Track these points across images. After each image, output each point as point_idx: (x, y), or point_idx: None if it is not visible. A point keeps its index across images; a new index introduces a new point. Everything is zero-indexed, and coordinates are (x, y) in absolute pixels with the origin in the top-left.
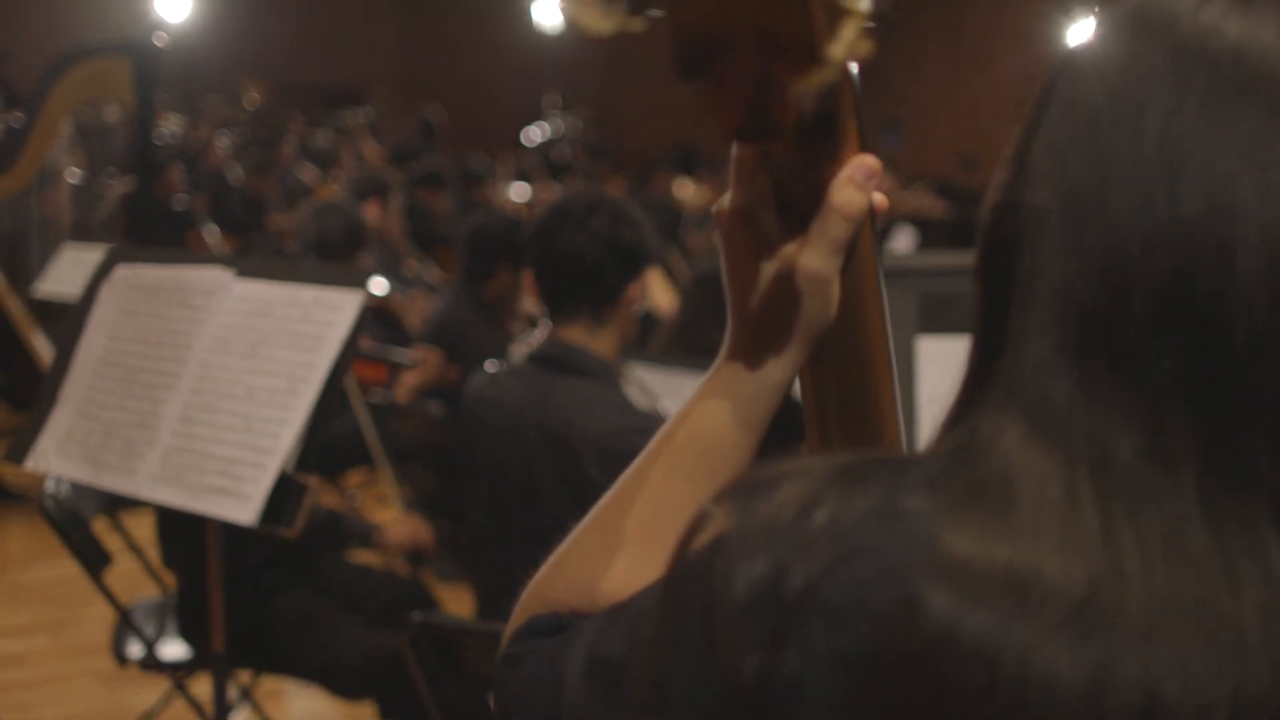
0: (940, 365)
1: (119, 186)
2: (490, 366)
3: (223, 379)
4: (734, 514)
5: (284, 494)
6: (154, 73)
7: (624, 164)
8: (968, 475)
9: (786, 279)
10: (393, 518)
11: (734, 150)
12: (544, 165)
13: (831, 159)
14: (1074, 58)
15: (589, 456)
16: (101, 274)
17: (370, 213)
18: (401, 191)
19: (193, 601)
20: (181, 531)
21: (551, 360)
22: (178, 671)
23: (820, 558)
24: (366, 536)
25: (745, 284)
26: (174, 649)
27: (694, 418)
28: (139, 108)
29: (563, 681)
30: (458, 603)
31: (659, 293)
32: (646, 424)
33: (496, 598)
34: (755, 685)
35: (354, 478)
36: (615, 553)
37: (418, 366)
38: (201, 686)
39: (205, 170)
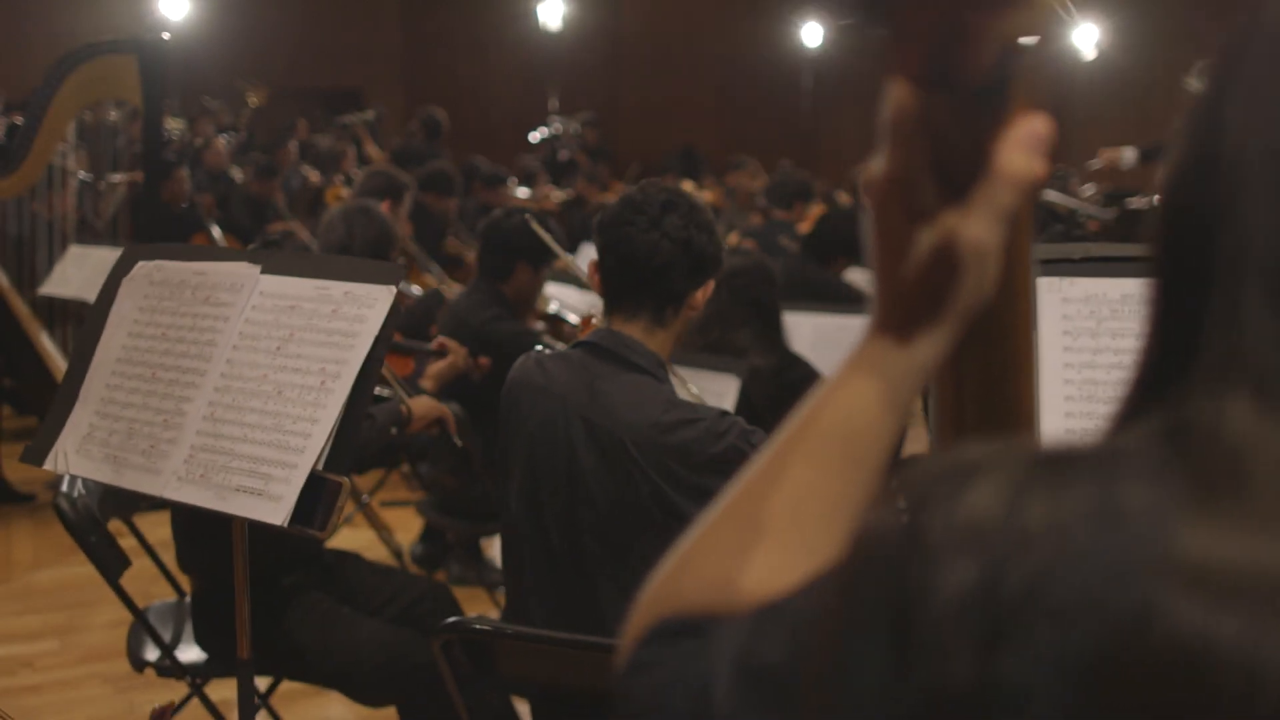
0: None
1: (122, 187)
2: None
3: (250, 376)
4: (926, 510)
5: (315, 494)
6: (161, 72)
7: (623, 166)
8: (1191, 463)
9: (944, 250)
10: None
11: (888, 112)
12: (546, 167)
13: (999, 121)
14: (1268, 12)
15: (632, 448)
16: (121, 270)
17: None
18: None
19: (209, 605)
20: (199, 533)
21: (604, 350)
22: (195, 676)
23: (1040, 558)
24: (396, 414)
25: (897, 256)
26: (189, 653)
27: (838, 400)
28: (146, 107)
29: (708, 690)
30: (472, 607)
31: None
32: (692, 416)
33: (532, 591)
34: (968, 692)
35: (364, 481)
36: (754, 547)
37: (445, 356)
38: (215, 692)
39: (208, 172)
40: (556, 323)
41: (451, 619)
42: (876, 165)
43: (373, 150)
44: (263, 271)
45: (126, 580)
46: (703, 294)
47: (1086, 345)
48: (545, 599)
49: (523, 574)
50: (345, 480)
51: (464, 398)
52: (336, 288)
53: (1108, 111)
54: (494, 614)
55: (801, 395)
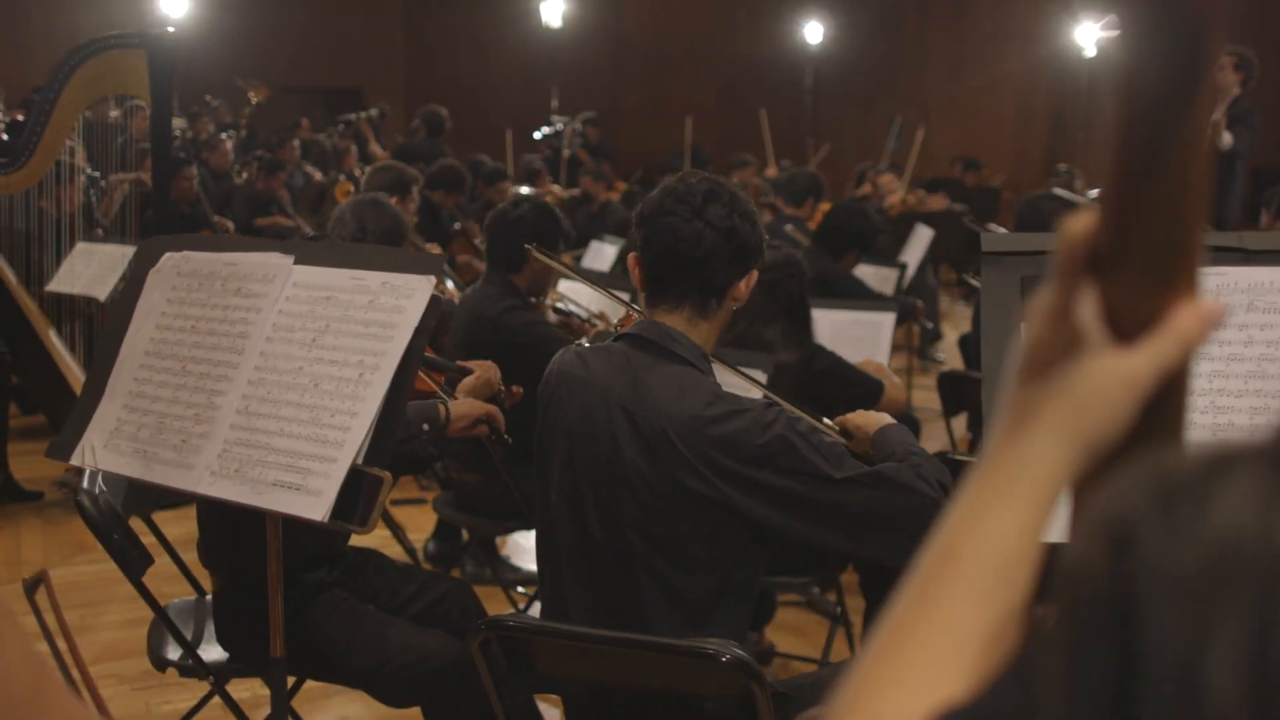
0: None
1: (124, 184)
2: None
3: (285, 369)
4: (1156, 538)
5: (355, 489)
6: (169, 67)
7: (625, 165)
8: None
9: (1098, 378)
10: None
11: (1064, 250)
12: (549, 165)
13: (1169, 285)
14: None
15: (676, 440)
16: (147, 262)
17: None
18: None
19: (233, 603)
20: (224, 529)
21: (647, 342)
22: (218, 676)
23: None
24: (434, 416)
25: (1040, 376)
26: (209, 652)
27: (984, 529)
28: (154, 103)
29: None
30: (490, 606)
31: None
32: (738, 407)
33: (570, 586)
34: None
35: None
36: (904, 686)
37: (475, 374)
38: (233, 691)
39: (212, 171)
40: (567, 317)
41: (490, 616)
42: (1044, 292)
43: (375, 148)
44: (296, 262)
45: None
46: (746, 285)
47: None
48: (583, 594)
49: (560, 569)
50: (387, 475)
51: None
52: (373, 278)
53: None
54: (510, 612)
55: (831, 386)
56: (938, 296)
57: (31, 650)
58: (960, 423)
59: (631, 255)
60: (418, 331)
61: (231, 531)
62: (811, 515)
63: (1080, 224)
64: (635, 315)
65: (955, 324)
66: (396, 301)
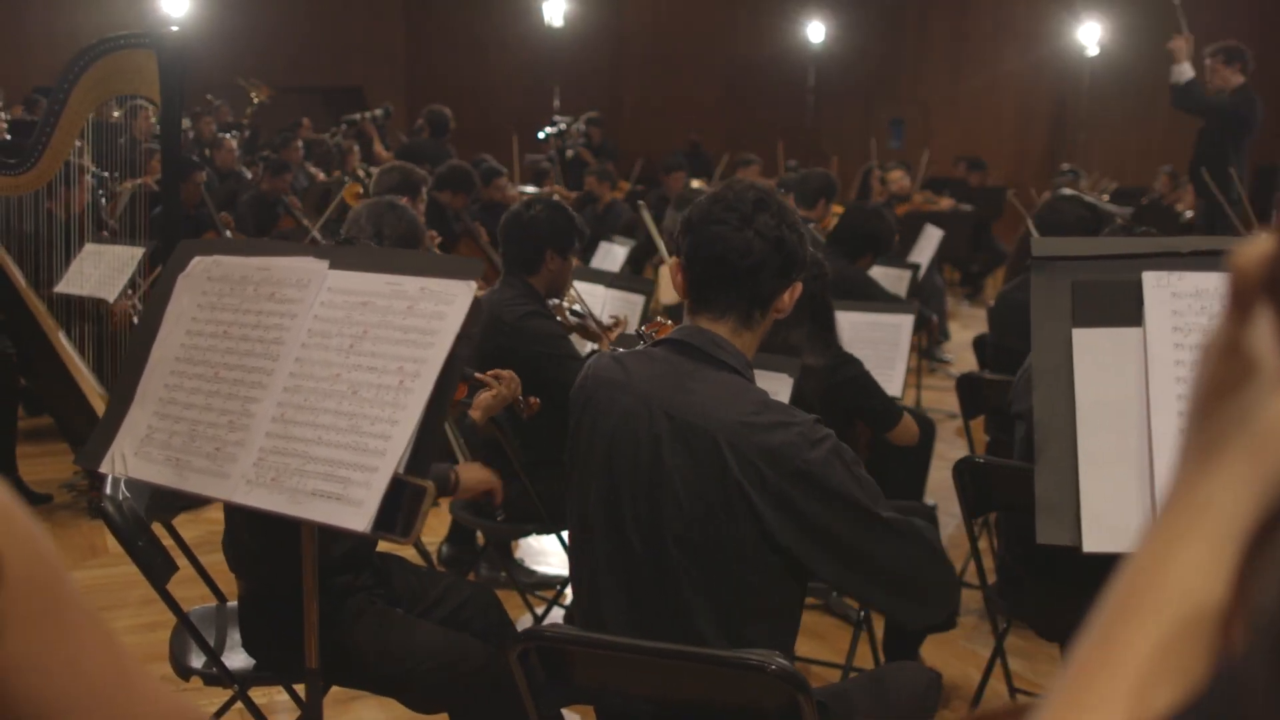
0: (1098, 360)
1: (128, 186)
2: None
3: (322, 376)
4: None
5: (396, 498)
6: (179, 67)
7: (627, 164)
8: None
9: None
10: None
11: (1234, 280)
12: (555, 165)
13: None
14: None
15: (724, 445)
16: (176, 266)
17: None
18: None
19: (260, 609)
20: (253, 535)
21: (693, 348)
22: (244, 684)
23: None
24: (444, 480)
25: (1222, 418)
26: (232, 658)
27: (1167, 572)
28: (164, 103)
29: None
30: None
31: None
32: (787, 419)
33: (606, 593)
34: None
35: None
36: None
37: (493, 385)
38: (253, 697)
39: (217, 170)
40: (583, 319)
41: (530, 627)
42: (1219, 324)
43: (379, 148)
44: (330, 266)
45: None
46: (789, 296)
47: (1198, 342)
48: (621, 603)
49: (597, 578)
50: (430, 484)
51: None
52: (410, 283)
53: (1111, 108)
54: (527, 616)
55: (852, 394)
56: (945, 297)
57: (115, 641)
58: (978, 426)
59: (674, 261)
60: (459, 338)
61: (261, 537)
62: (838, 552)
63: (1254, 250)
64: (667, 325)
65: (961, 323)
66: (436, 307)
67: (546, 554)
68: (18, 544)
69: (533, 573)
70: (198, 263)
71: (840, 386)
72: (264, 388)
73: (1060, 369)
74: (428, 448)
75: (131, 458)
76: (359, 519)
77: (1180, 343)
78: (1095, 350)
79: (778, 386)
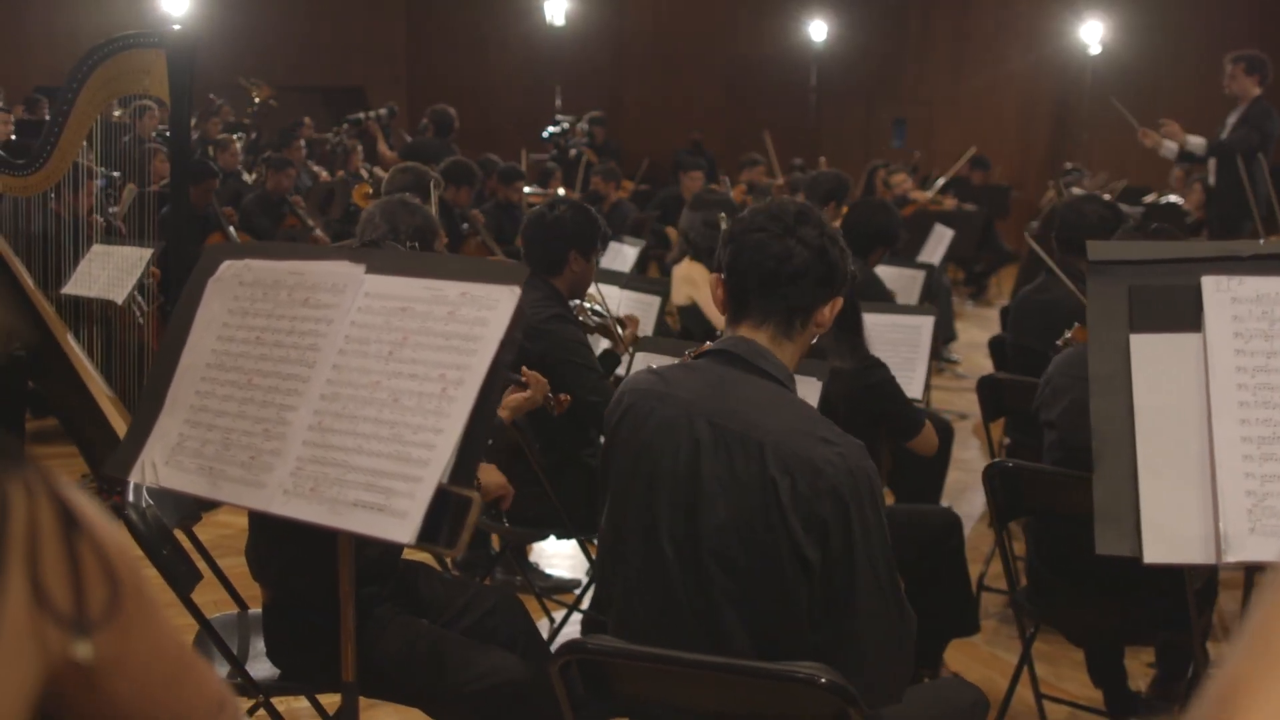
0: (1157, 367)
1: (131, 187)
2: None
3: (361, 383)
4: None
5: (441, 509)
6: (189, 66)
7: (630, 164)
8: None
9: None
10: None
11: None
12: (560, 164)
13: None
14: None
15: (769, 452)
16: (205, 270)
17: None
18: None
19: (285, 618)
20: (278, 544)
21: (736, 357)
22: (269, 694)
23: None
24: None
25: None
26: (256, 667)
27: None
28: (173, 103)
29: None
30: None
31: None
32: (831, 436)
33: (641, 604)
34: None
35: None
36: None
37: (524, 386)
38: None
39: (222, 169)
40: (603, 319)
41: (570, 640)
42: None
43: (383, 148)
44: (367, 271)
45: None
46: (830, 310)
47: (1260, 348)
48: (653, 610)
49: (629, 585)
50: (475, 495)
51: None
52: (451, 288)
53: (1113, 107)
54: (543, 621)
55: (878, 399)
56: (951, 296)
57: (174, 628)
58: (997, 428)
59: (714, 276)
60: (503, 344)
61: (292, 546)
62: (828, 587)
63: None
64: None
65: (966, 323)
66: (479, 313)
67: (557, 557)
68: (125, 560)
69: (548, 576)
70: (228, 267)
71: (867, 391)
72: (300, 395)
73: (1118, 375)
74: (473, 458)
75: (162, 466)
76: (403, 530)
77: (1241, 349)
78: (1154, 356)
79: (806, 390)
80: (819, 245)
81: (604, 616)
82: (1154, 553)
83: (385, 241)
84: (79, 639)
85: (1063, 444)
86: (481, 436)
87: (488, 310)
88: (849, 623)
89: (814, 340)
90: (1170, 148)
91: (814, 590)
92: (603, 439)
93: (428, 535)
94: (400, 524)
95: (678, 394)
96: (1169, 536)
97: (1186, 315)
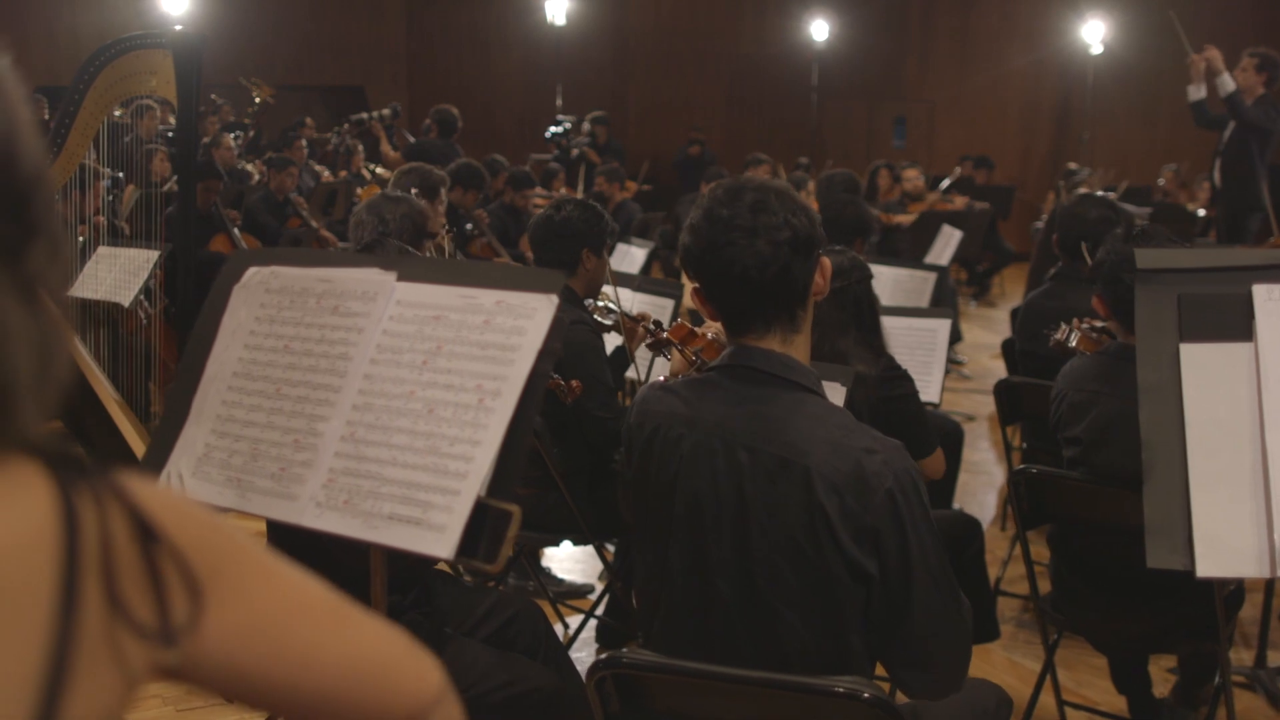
0: (1207, 376)
1: (133, 188)
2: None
3: (394, 393)
4: None
5: (480, 524)
6: (196, 67)
7: (632, 164)
8: None
9: None
10: None
11: None
12: (563, 165)
13: None
14: None
15: (816, 480)
16: (230, 277)
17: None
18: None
19: None
20: (296, 554)
21: (758, 373)
22: None
23: None
24: None
25: None
26: None
27: None
28: (181, 105)
29: None
30: None
31: None
32: (871, 445)
33: (685, 615)
34: None
35: None
36: None
37: (561, 385)
38: None
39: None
40: (616, 316)
41: (608, 654)
42: None
43: (387, 148)
44: (399, 278)
45: None
46: (821, 276)
47: None
48: (699, 627)
49: (674, 602)
50: (515, 508)
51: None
52: (485, 296)
53: (1114, 106)
54: (557, 626)
55: (897, 413)
56: (956, 297)
57: (294, 583)
58: (997, 427)
59: (693, 291)
60: (541, 355)
61: (309, 556)
62: (891, 592)
63: None
64: (705, 337)
65: (970, 324)
66: (515, 322)
67: (573, 562)
68: (205, 548)
69: (561, 581)
70: (254, 274)
71: (889, 402)
72: (331, 405)
73: (1167, 385)
74: (512, 470)
75: (189, 478)
76: (441, 545)
77: None
78: (1204, 366)
79: (831, 395)
80: (787, 235)
81: (646, 633)
82: (1207, 566)
83: (385, 240)
84: (164, 648)
85: (1086, 461)
86: (521, 449)
87: (525, 319)
88: (909, 623)
89: (818, 298)
90: (1196, 91)
91: (873, 598)
92: (621, 457)
93: (466, 550)
94: (438, 538)
95: (704, 416)
96: (1222, 550)
97: (1237, 324)
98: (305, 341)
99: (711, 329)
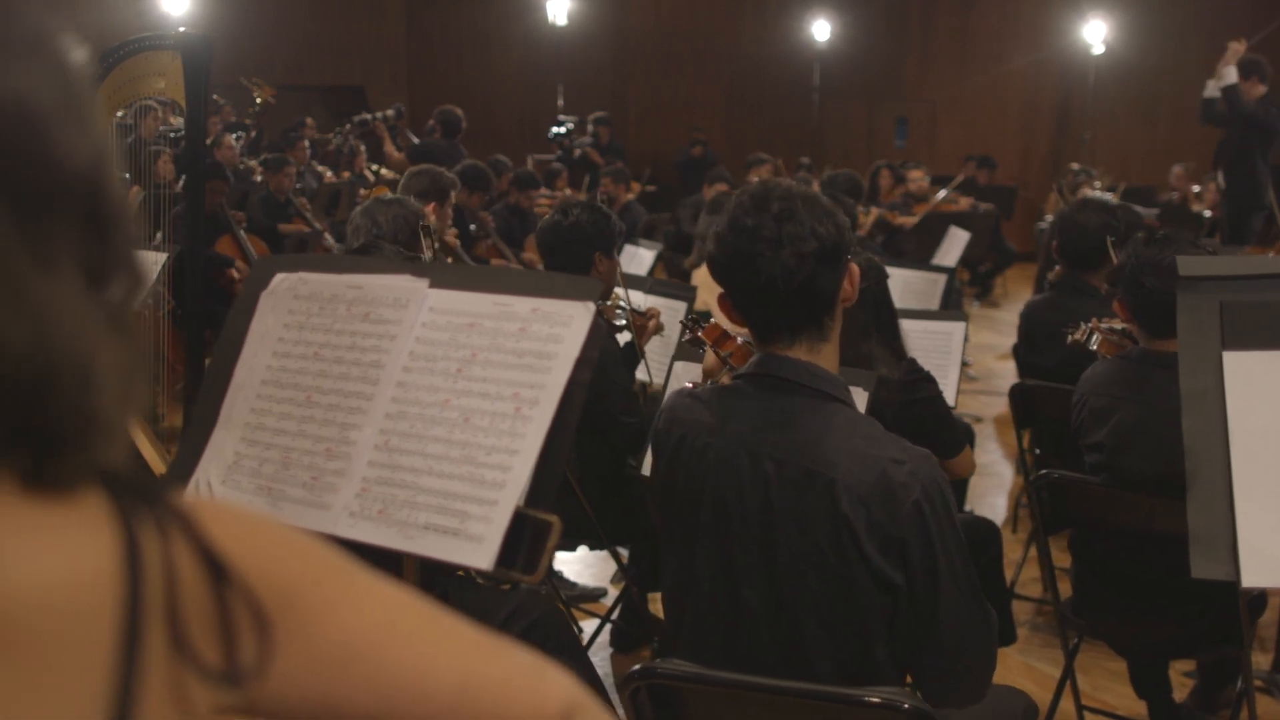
0: (1251, 384)
1: (134, 189)
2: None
3: (429, 402)
4: None
5: (518, 534)
6: (205, 69)
7: (633, 164)
8: None
9: None
10: None
11: None
12: (566, 165)
13: None
14: None
15: (841, 492)
16: (257, 283)
17: (429, 216)
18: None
19: None
20: None
21: (787, 382)
22: None
23: None
24: None
25: None
26: None
27: None
28: (189, 107)
29: None
30: None
31: None
32: (899, 455)
33: (713, 625)
34: None
35: None
36: None
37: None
38: None
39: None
40: (630, 314)
41: (641, 665)
42: None
43: (390, 149)
44: (431, 285)
45: None
46: (850, 283)
47: None
48: (727, 636)
49: (701, 611)
50: (555, 519)
51: None
52: (520, 303)
53: (1116, 106)
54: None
55: (923, 415)
56: (962, 299)
57: (379, 600)
58: (1007, 430)
59: (719, 298)
60: (579, 363)
61: None
62: (917, 602)
63: None
64: (730, 337)
65: (973, 325)
66: (552, 330)
67: (584, 566)
68: (274, 579)
69: (574, 585)
70: (282, 279)
71: (914, 405)
72: (364, 413)
73: (1210, 392)
74: (550, 480)
75: (219, 486)
76: (480, 556)
77: None
78: (1248, 374)
79: (854, 400)
80: (814, 246)
81: (673, 639)
82: (1252, 576)
83: (378, 243)
84: (230, 690)
85: (1110, 467)
86: (560, 458)
87: (561, 327)
88: (937, 633)
89: (847, 305)
90: (1220, 82)
91: (900, 608)
92: (649, 463)
93: (505, 561)
94: (476, 549)
95: (732, 426)
96: (1268, 559)
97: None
98: (336, 349)
99: (743, 333)
